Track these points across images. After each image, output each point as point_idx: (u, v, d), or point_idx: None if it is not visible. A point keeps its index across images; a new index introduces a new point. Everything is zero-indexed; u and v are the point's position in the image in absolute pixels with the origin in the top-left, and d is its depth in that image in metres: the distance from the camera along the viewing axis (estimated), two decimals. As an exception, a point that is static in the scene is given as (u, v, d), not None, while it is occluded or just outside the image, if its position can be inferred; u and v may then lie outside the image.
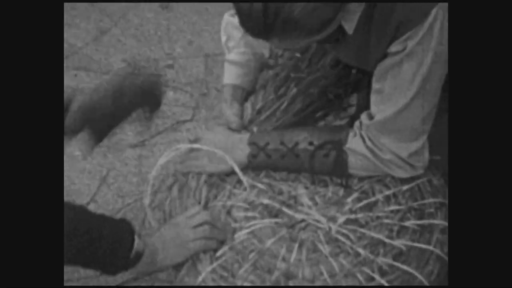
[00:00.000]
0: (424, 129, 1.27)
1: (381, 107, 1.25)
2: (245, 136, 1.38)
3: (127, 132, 2.07)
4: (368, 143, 1.29)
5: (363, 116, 1.30)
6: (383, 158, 1.29)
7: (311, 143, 1.33)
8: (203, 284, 1.23)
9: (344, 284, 1.20)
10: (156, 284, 1.60)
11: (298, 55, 1.48)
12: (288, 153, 1.34)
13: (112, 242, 1.21)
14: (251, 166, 1.37)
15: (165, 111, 2.18)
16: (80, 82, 2.28)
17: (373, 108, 1.28)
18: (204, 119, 2.16)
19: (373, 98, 1.27)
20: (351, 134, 1.31)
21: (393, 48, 1.18)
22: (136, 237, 1.24)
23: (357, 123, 1.32)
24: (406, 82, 1.20)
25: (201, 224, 1.28)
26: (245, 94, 1.48)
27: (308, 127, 1.43)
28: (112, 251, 1.21)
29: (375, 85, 1.26)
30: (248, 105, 1.48)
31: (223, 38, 1.49)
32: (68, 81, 2.28)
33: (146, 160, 2.03)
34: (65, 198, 1.12)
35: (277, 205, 1.32)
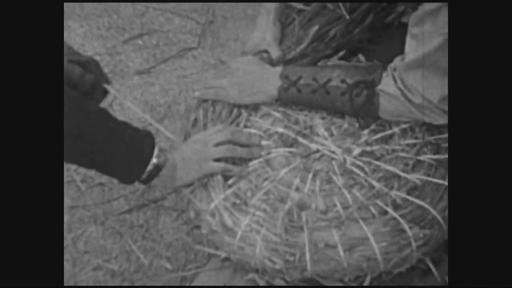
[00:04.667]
0: None
1: (414, 49, 1.22)
2: (278, 69, 1.35)
3: (133, 59, 2.04)
4: (399, 83, 1.24)
5: (396, 59, 1.27)
6: (414, 101, 1.24)
7: (343, 81, 1.30)
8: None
9: (356, 216, 1.19)
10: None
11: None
12: (319, 89, 1.31)
13: (132, 147, 1.19)
14: (281, 100, 1.35)
15: (170, 38, 2.14)
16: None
17: (407, 53, 1.24)
18: (210, 47, 2.13)
19: (409, 42, 1.24)
20: (384, 74, 1.28)
21: None
22: (157, 148, 1.21)
23: (391, 65, 1.28)
24: (440, 27, 1.16)
25: (223, 143, 1.26)
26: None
27: (343, 64, 1.40)
28: (132, 155, 1.19)
29: (412, 30, 1.22)
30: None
31: None
32: None
33: (151, 87, 2.00)
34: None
35: (292, 135, 1.31)
